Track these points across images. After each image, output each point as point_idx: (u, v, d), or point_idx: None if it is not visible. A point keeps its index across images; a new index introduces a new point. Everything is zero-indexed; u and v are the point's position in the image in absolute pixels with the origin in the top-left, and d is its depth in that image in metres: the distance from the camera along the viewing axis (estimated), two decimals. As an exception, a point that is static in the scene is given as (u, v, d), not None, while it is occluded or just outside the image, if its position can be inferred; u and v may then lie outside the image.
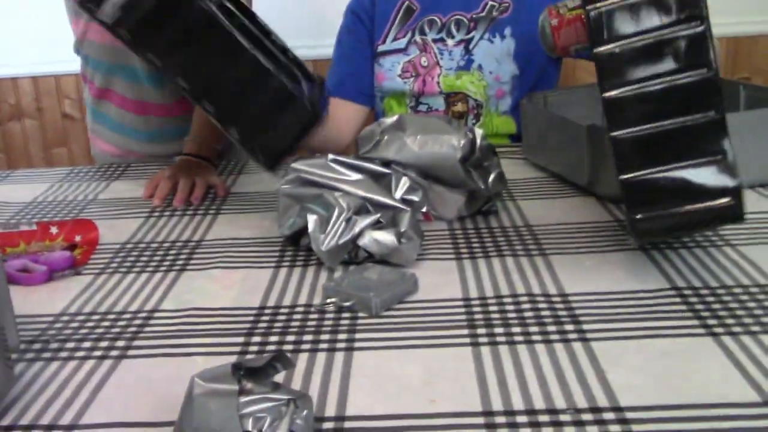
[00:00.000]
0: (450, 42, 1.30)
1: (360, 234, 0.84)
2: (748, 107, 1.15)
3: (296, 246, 0.91)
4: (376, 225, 0.85)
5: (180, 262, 0.90)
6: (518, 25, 1.27)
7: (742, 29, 2.05)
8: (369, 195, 0.89)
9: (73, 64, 2.01)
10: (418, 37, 1.31)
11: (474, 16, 1.29)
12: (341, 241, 0.84)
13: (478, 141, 0.94)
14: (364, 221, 0.85)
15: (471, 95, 1.31)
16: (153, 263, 0.90)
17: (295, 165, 0.92)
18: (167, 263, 0.90)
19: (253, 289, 0.81)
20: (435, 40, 1.31)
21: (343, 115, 1.33)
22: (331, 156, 0.92)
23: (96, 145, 1.50)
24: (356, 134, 1.36)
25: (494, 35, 1.28)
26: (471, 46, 1.29)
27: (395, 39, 1.33)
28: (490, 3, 1.29)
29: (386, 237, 0.84)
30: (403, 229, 0.85)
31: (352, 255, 0.85)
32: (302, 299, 0.79)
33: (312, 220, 0.85)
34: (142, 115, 1.41)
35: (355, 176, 0.91)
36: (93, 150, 1.52)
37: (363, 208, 0.87)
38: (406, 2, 1.32)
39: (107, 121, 1.44)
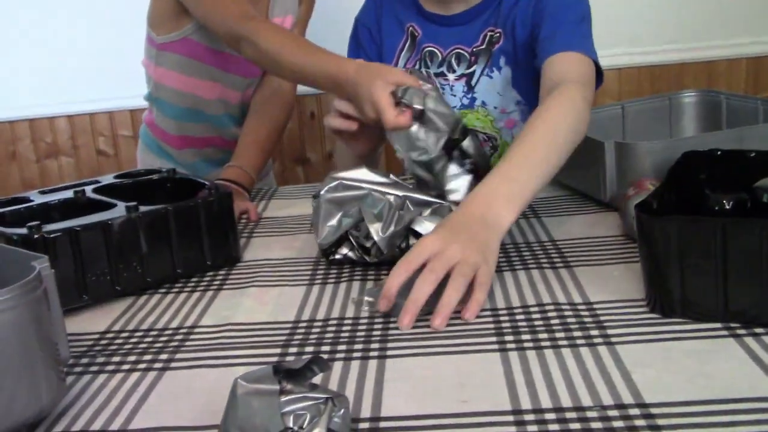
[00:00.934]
0: (451, 77, 1.30)
1: (411, 222, 0.90)
2: (729, 115, 1.19)
3: (329, 260, 0.95)
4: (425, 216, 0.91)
5: (217, 283, 0.94)
6: (510, 52, 1.25)
7: (762, 49, 2.07)
8: (408, 194, 0.93)
9: (106, 102, 2.10)
10: (424, 70, 1.32)
11: (474, 49, 1.28)
12: (397, 228, 0.89)
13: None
14: (414, 210, 0.91)
15: (479, 130, 1.31)
16: (191, 284, 0.94)
17: (334, 175, 0.96)
18: (204, 283, 0.94)
19: (288, 304, 0.85)
20: (436, 74, 1.31)
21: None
22: (364, 167, 0.96)
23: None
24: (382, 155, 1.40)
25: (492, 69, 1.27)
26: (473, 82, 1.28)
27: (405, 65, 1.34)
28: (488, 33, 1.27)
29: (440, 220, 0.89)
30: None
31: (402, 246, 0.91)
32: (335, 313, 0.81)
33: (367, 211, 0.90)
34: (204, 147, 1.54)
35: (389, 180, 0.95)
36: None
37: (405, 205, 0.92)
38: (410, 27, 1.34)
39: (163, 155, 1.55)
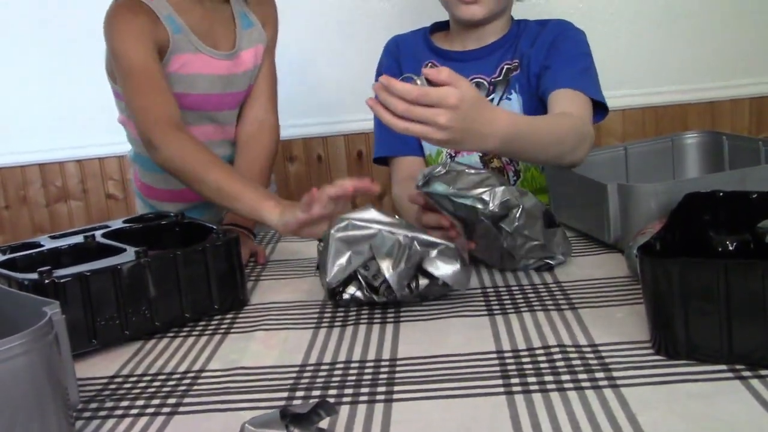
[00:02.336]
0: None
1: (421, 261, 0.92)
2: (731, 156, 1.21)
3: (336, 301, 0.95)
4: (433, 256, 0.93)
5: (224, 326, 0.95)
6: (524, 83, 1.32)
7: (765, 89, 2.09)
8: (416, 234, 0.94)
9: (115, 147, 2.13)
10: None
11: (492, 80, 1.34)
12: (407, 266, 0.91)
13: (519, 205, 1.00)
14: (422, 250, 0.93)
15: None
16: (199, 327, 0.95)
17: (343, 215, 0.97)
18: (212, 327, 0.95)
19: (295, 348, 0.85)
20: None
21: (407, 170, 1.37)
22: (372, 205, 0.98)
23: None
24: None
25: (511, 92, 1.33)
26: None
27: None
28: (506, 66, 1.34)
29: (449, 261, 0.92)
30: (456, 258, 0.93)
31: (412, 285, 0.92)
32: (342, 356, 0.82)
33: (377, 248, 0.92)
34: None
35: (396, 220, 0.96)
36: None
37: (413, 245, 0.94)
38: (429, 63, 1.37)
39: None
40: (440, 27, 1.41)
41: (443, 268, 0.92)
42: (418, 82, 0.93)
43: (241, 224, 1.30)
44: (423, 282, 0.93)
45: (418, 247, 0.93)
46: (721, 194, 0.96)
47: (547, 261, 1.04)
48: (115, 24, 1.28)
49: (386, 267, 0.92)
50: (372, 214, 0.96)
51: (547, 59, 1.29)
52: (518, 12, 1.39)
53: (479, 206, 1.00)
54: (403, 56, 1.42)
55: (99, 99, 2.08)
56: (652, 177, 1.31)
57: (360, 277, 0.94)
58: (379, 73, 1.44)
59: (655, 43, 2.07)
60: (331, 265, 0.93)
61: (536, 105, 1.30)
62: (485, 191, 1.00)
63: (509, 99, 1.33)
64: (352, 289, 0.94)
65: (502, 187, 1.01)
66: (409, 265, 0.92)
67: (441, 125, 0.92)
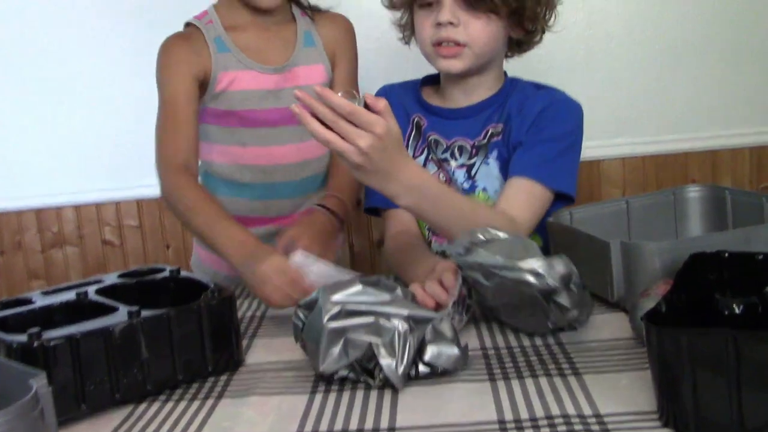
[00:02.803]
0: (453, 163, 1.32)
1: (420, 349, 0.88)
2: (735, 212, 1.18)
3: (328, 379, 0.92)
4: (430, 340, 0.89)
5: (218, 389, 0.92)
6: (502, 150, 1.29)
7: (765, 139, 2.08)
8: (410, 312, 0.91)
9: (113, 192, 2.12)
10: (432, 155, 1.34)
11: (476, 143, 1.31)
12: (409, 359, 0.87)
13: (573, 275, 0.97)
14: (418, 331, 0.89)
15: None
16: (192, 390, 0.92)
17: (334, 297, 0.92)
18: (205, 390, 0.92)
19: (290, 415, 0.83)
20: (441, 160, 1.33)
21: (401, 223, 1.35)
22: (358, 279, 0.94)
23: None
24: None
25: (488, 157, 1.30)
26: (473, 172, 1.31)
27: (414, 156, 1.35)
28: (491, 130, 1.31)
29: (447, 344, 0.89)
30: (452, 338, 0.89)
31: (412, 375, 0.89)
32: (338, 425, 0.79)
33: (377, 345, 0.87)
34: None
35: (389, 296, 0.93)
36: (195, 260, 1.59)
37: (411, 327, 0.90)
38: (416, 118, 1.36)
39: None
40: (432, 80, 1.39)
41: (443, 357, 0.88)
42: (356, 102, 0.95)
43: (334, 209, 1.34)
44: (423, 370, 0.89)
45: (416, 329, 0.89)
46: (727, 255, 0.94)
47: (574, 324, 1.00)
48: (159, 56, 1.38)
49: (388, 366, 0.87)
50: (362, 293, 0.92)
51: (525, 134, 1.26)
52: (518, 62, 1.38)
53: (532, 280, 0.94)
54: (393, 104, 1.39)
55: (97, 144, 2.09)
56: (655, 231, 1.29)
57: (354, 362, 0.89)
58: None
59: (656, 91, 2.07)
60: (324, 355, 0.89)
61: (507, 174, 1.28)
62: (539, 264, 0.94)
63: (487, 164, 1.30)
64: (345, 371, 0.90)
65: (559, 259, 0.96)
66: (409, 358, 0.87)
67: (361, 148, 0.96)
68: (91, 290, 1.04)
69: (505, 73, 1.36)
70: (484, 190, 1.31)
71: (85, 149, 2.07)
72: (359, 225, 2.16)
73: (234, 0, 1.39)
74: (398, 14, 1.36)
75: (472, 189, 1.31)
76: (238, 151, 1.44)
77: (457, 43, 1.23)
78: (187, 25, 1.43)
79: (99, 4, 2.00)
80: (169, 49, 1.38)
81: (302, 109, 0.97)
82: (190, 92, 1.35)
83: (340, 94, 0.96)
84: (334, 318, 0.90)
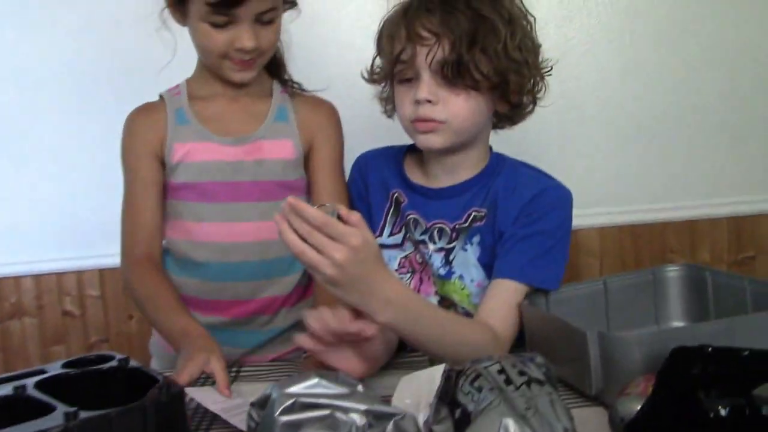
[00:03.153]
0: (431, 246, 1.27)
1: None
2: (755, 305, 1.12)
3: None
4: None
5: (162, 498, 0.84)
6: (485, 235, 1.24)
7: (743, 209, 2.07)
8: (369, 407, 0.84)
9: (73, 262, 2.04)
10: (410, 234, 1.29)
11: (457, 226, 1.26)
12: None
13: None
14: (377, 426, 0.82)
15: (457, 303, 1.26)
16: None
17: (288, 390, 0.86)
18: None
19: None
20: (419, 242, 1.28)
21: None
22: (315, 372, 0.88)
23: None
24: None
25: (467, 243, 1.25)
26: (451, 257, 1.26)
27: (391, 234, 1.31)
28: (474, 213, 1.25)
29: None
30: None
31: None
32: None
33: None
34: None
35: (348, 389, 0.87)
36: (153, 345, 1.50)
37: (370, 423, 0.83)
38: (396, 193, 1.31)
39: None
40: (417, 149, 1.33)
41: None
42: (330, 213, 0.91)
43: None
44: None
45: (376, 425, 0.83)
46: (710, 350, 0.89)
47: None
48: (123, 132, 1.38)
49: None
50: (319, 386, 0.85)
51: (512, 225, 1.21)
52: (492, 134, 1.33)
53: None
54: (371, 178, 1.35)
55: (58, 212, 2.02)
56: (634, 314, 1.25)
57: None
58: (347, 189, 1.38)
59: (633, 161, 2.05)
60: None
61: (490, 261, 1.23)
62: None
63: (465, 250, 1.25)
64: None
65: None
66: None
67: (335, 260, 0.92)
68: (30, 383, 0.97)
69: (490, 148, 1.31)
70: (461, 278, 1.25)
71: (46, 217, 2.00)
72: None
73: (207, 71, 1.36)
74: (380, 88, 1.31)
75: (449, 275, 1.26)
76: (194, 227, 1.37)
77: (436, 121, 1.18)
78: (160, 97, 1.40)
79: (65, 69, 1.95)
80: (129, 126, 1.37)
81: (282, 219, 0.93)
82: (148, 176, 1.34)
83: (316, 207, 0.92)
84: (287, 411, 0.84)
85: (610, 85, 2.04)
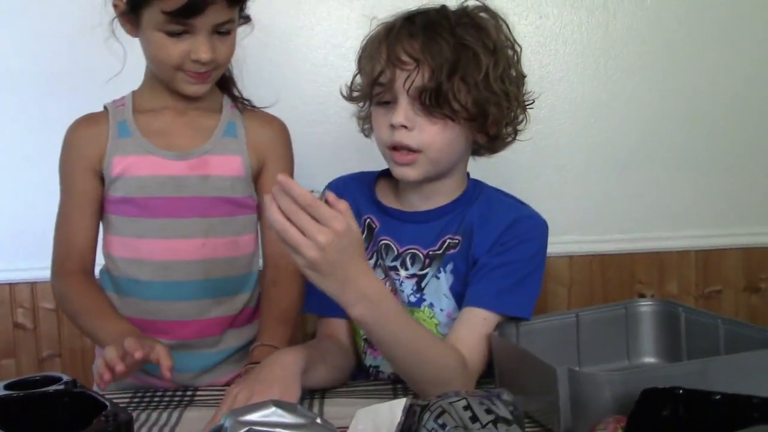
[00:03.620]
0: (403, 273, 1.23)
1: None
2: (727, 345, 1.10)
3: None
4: None
5: None
6: (458, 263, 1.20)
7: (710, 242, 2.06)
8: None
9: (28, 273, 1.97)
10: (381, 261, 1.25)
11: (431, 252, 1.22)
12: None
13: None
14: None
15: None
16: None
17: (242, 418, 0.82)
18: None
19: None
20: (390, 268, 1.24)
21: (329, 331, 1.27)
22: (272, 401, 0.84)
23: None
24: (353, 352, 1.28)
25: (440, 271, 1.21)
26: (423, 284, 1.22)
27: None
28: (448, 240, 1.22)
29: None
30: None
31: None
32: None
33: None
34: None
35: (305, 420, 0.82)
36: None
37: None
38: (368, 219, 1.27)
39: None
40: (389, 173, 1.29)
41: None
42: (319, 197, 0.91)
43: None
44: None
45: None
46: (681, 391, 0.87)
47: None
48: (63, 143, 1.34)
49: None
50: (275, 414, 0.81)
51: (487, 253, 1.18)
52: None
53: None
54: (347, 198, 1.31)
55: (11, 222, 1.95)
56: (605, 348, 1.23)
57: None
58: None
59: (603, 191, 2.03)
60: None
61: (462, 290, 1.20)
62: None
63: (437, 278, 1.21)
64: None
65: None
66: None
67: (318, 242, 0.91)
68: (-31, 405, 0.91)
69: (467, 174, 1.28)
70: (431, 306, 1.22)
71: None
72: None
73: (158, 84, 1.32)
74: (358, 106, 1.28)
75: (419, 303, 1.22)
76: (136, 243, 1.31)
77: (411, 149, 1.14)
78: (104, 109, 1.35)
79: (9, 78, 1.88)
80: (68, 138, 1.34)
81: (271, 199, 0.92)
82: (84, 191, 1.32)
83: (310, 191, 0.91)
84: None
85: (583, 115, 2.02)
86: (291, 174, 1.38)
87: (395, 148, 1.15)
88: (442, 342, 1.11)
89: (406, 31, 1.14)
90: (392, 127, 1.14)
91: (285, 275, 1.34)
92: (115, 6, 1.27)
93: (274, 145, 1.37)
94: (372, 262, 1.25)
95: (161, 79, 1.30)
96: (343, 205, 0.93)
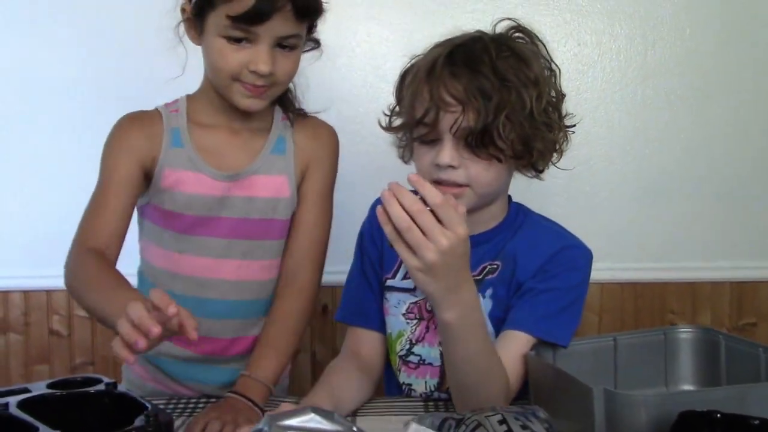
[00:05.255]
0: None
1: None
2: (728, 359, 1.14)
3: None
4: None
5: None
6: (498, 288, 1.20)
7: (745, 274, 2.04)
8: None
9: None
10: None
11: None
12: None
13: None
14: None
15: None
16: None
17: (281, 423, 0.83)
18: None
19: None
20: None
21: (358, 344, 1.27)
22: (311, 407, 0.85)
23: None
24: (383, 363, 1.28)
25: (480, 295, 1.19)
26: None
27: (405, 277, 1.26)
28: (489, 266, 1.21)
29: None
30: None
31: None
32: None
33: None
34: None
35: (341, 428, 0.83)
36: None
37: None
38: None
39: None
40: None
41: None
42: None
43: (248, 396, 1.17)
44: None
45: None
46: (719, 416, 0.86)
47: None
48: (110, 134, 1.28)
49: None
50: (313, 421, 0.82)
51: (532, 278, 1.17)
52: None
53: None
54: None
55: (50, 228, 1.98)
56: (643, 373, 1.21)
57: None
58: (360, 235, 1.33)
59: (636, 219, 2.03)
60: None
61: (501, 314, 1.19)
62: None
63: None
64: None
65: None
66: None
67: (441, 246, 0.90)
68: (13, 402, 0.93)
69: (509, 198, 1.26)
70: None
71: (40, 232, 1.97)
72: (323, 332, 2.06)
73: (215, 98, 1.28)
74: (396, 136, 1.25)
75: None
76: (174, 257, 1.30)
77: (458, 185, 1.13)
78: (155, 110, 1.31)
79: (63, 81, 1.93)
80: (120, 128, 1.28)
81: (391, 194, 0.91)
82: (128, 179, 1.24)
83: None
84: None
85: (619, 142, 2.03)
86: (331, 183, 1.36)
87: (440, 182, 1.14)
88: (503, 364, 1.10)
89: (448, 71, 1.12)
90: (437, 166, 1.13)
91: (295, 288, 1.31)
92: (183, 10, 1.24)
93: (319, 153, 1.34)
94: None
95: (217, 89, 1.25)
96: (462, 208, 0.93)
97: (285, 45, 1.20)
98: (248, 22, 1.15)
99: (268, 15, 1.14)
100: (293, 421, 0.82)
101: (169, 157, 1.26)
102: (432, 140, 1.14)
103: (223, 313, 1.32)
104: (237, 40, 1.18)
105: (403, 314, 1.26)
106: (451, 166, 1.12)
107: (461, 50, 1.14)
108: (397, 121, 1.23)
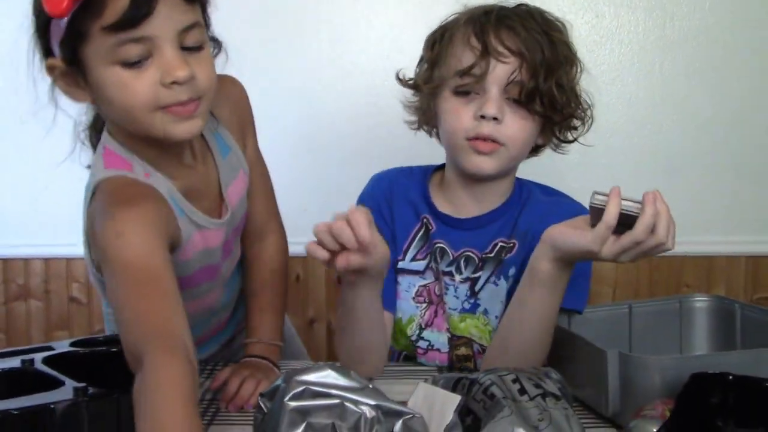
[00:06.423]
0: (457, 277, 1.22)
1: None
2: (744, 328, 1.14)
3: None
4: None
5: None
6: (518, 267, 1.18)
7: (762, 249, 2.04)
8: (379, 402, 0.82)
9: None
10: (434, 264, 1.23)
11: (483, 255, 1.21)
12: None
13: None
14: (385, 423, 0.80)
15: (476, 340, 1.21)
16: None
17: (299, 377, 0.85)
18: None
19: None
20: (445, 273, 1.22)
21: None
22: (328, 364, 0.86)
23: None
24: (388, 343, 1.26)
25: (499, 278, 1.20)
26: (477, 288, 1.21)
27: (414, 259, 1.25)
28: (500, 244, 1.21)
29: None
30: None
31: None
32: None
33: (341, 427, 0.79)
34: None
35: (360, 384, 0.85)
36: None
37: (378, 417, 0.81)
38: (425, 218, 1.25)
39: None
40: (437, 169, 1.28)
41: None
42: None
43: (266, 356, 1.19)
44: None
45: (384, 421, 0.81)
46: (731, 378, 0.87)
47: None
48: (111, 215, 0.96)
49: None
50: (330, 377, 0.83)
51: None
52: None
53: None
54: (398, 197, 1.27)
55: (70, 197, 2.00)
56: (658, 340, 1.22)
57: None
58: (360, 203, 1.28)
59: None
60: None
61: None
62: None
63: (496, 285, 1.20)
64: None
65: None
66: None
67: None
68: (38, 358, 0.95)
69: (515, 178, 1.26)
70: (485, 312, 1.21)
71: (61, 201, 1.98)
72: (294, 302, 2.05)
73: (137, 143, 1.03)
74: (407, 97, 1.23)
75: (473, 309, 1.21)
76: None
77: (496, 141, 1.12)
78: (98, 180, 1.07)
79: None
80: (129, 205, 0.97)
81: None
82: (167, 259, 0.95)
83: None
84: (297, 397, 0.82)
85: (637, 116, 2.02)
86: (255, 140, 1.25)
87: (477, 138, 1.12)
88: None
89: (503, 23, 1.11)
90: (481, 117, 1.11)
91: (268, 242, 1.28)
92: (50, 69, 0.99)
93: (241, 113, 1.21)
94: (424, 263, 1.24)
95: (137, 132, 1.00)
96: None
97: (190, 47, 0.97)
98: (131, 22, 0.91)
99: (151, 4, 0.91)
100: (310, 377, 0.83)
101: (184, 228, 1.07)
102: (468, 92, 1.13)
103: (222, 308, 1.30)
104: (135, 63, 0.93)
105: (413, 298, 1.25)
106: (495, 119, 1.11)
107: (507, 10, 1.15)
108: (425, 76, 1.19)
